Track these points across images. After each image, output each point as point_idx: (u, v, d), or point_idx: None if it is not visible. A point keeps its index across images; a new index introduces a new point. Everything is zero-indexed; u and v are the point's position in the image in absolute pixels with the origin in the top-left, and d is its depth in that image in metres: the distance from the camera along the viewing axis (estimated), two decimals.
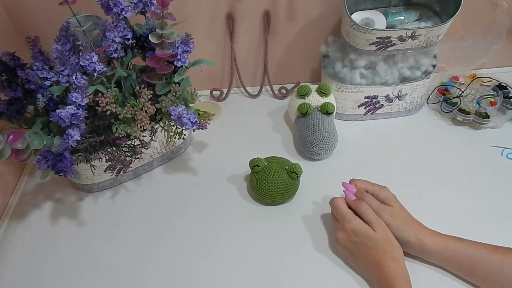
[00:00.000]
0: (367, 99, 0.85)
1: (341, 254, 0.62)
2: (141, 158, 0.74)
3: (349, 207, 0.61)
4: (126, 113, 0.63)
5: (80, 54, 0.62)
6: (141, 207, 0.73)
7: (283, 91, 0.98)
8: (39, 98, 0.62)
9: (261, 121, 0.91)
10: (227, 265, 0.63)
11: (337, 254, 0.63)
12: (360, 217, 0.59)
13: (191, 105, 0.70)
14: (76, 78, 0.58)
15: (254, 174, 0.70)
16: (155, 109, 0.66)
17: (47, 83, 0.64)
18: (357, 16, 0.81)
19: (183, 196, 0.75)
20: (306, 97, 0.81)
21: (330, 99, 0.82)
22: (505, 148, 0.79)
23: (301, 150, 0.81)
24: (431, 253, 0.58)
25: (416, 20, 0.83)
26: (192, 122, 0.63)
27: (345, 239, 0.59)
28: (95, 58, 0.60)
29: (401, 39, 0.76)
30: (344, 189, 0.63)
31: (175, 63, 0.66)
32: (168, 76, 0.71)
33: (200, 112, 0.73)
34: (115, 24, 0.64)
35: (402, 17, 0.83)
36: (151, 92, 0.66)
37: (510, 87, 0.88)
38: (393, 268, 0.54)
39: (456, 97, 0.87)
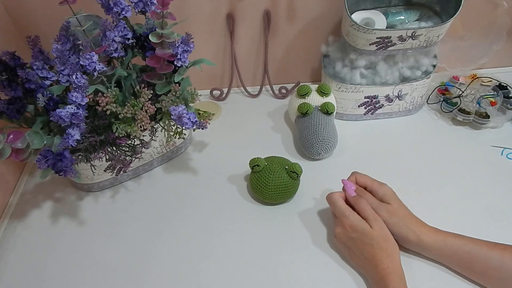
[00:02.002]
0: (367, 99, 0.85)
1: (338, 249, 0.63)
2: (141, 158, 0.74)
3: (347, 203, 0.62)
4: (126, 112, 0.63)
5: (80, 53, 0.62)
6: (141, 206, 0.73)
7: (283, 91, 0.98)
8: (39, 98, 0.62)
9: (261, 121, 0.91)
10: (227, 265, 0.63)
11: (337, 252, 0.63)
12: (358, 214, 0.59)
13: (191, 104, 0.70)
14: (76, 77, 0.58)
15: (254, 174, 0.70)
16: (155, 109, 0.66)
17: (47, 82, 0.64)
18: (357, 16, 0.81)
19: (183, 195, 0.75)
20: (306, 97, 0.81)
21: (330, 99, 0.82)
22: (505, 148, 0.79)
23: (301, 150, 0.81)
24: (430, 249, 0.58)
25: (416, 20, 0.83)
26: (192, 121, 0.63)
27: (343, 234, 0.59)
28: (95, 57, 0.60)
29: (401, 39, 0.76)
30: (344, 185, 0.64)
31: (175, 63, 0.66)
32: (168, 75, 0.71)
33: (200, 111, 0.73)
34: (115, 23, 0.64)
35: (402, 17, 0.83)
36: (151, 91, 0.66)
37: (510, 87, 0.88)
38: (388, 265, 0.54)
39: (456, 97, 0.87)
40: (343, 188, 0.64)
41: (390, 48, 0.78)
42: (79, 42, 0.64)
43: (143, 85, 0.67)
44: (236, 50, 0.92)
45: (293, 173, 0.68)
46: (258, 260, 0.63)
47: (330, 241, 0.65)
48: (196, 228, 0.69)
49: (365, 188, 0.64)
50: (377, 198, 0.62)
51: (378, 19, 0.80)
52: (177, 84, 0.68)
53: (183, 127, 0.64)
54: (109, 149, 0.67)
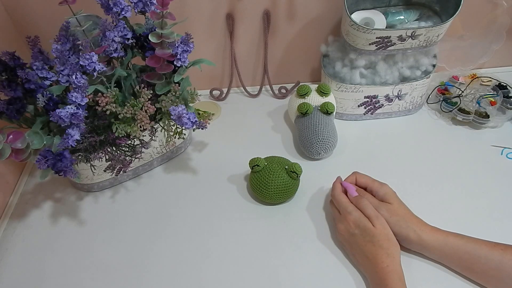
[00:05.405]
0: (367, 99, 0.85)
1: (341, 245, 0.63)
2: (141, 158, 0.74)
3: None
4: (126, 112, 0.63)
5: (80, 53, 0.62)
6: (141, 206, 0.73)
7: (283, 90, 0.98)
8: (39, 98, 0.62)
9: (261, 121, 0.91)
10: (227, 265, 0.63)
11: (337, 253, 0.63)
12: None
13: (191, 104, 0.70)
14: (76, 77, 0.58)
15: (254, 174, 0.70)
16: (155, 109, 0.66)
17: (47, 82, 0.64)
18: (357, 16, 0.82)
19: (183, 195, 0.75)
20: (306, 97, 0.81)
21: (330, 98, 0.82)
22: (505, 148, 0.79)
23: (301, 150, 0.81)
24: (431, 249, 0.58)
25: (416, 20, 0.83)
26: (192, 121, 0.63)
27: (345, 230, 0.60)
28: (95, 57, 0.60)
29: (401, 38, 0.76)
30: (345, 187, 0.65)
31: (175, 63, 0.66)
32: (168, 75, 0.71)
33: (200, 111, 0.73)
34: (115, 23, 0.64)
35: (402, 17, 0.83)
36: (151, 91, 0.66)
37: (510, 86, 0.88)
38: (387, 264, 0.54)
39: (456, 96, 0.87)
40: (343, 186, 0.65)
41: (389, 48, 0.78)
42: (79, 42, 0.64)
43: (143, 85, 0.67)
44: (236, 50, 0.92)
45: (293, 173, 0.68)
46: (258, 260, 0.63)
47: (330, 240, 0.65)
48: (196, 228, 0.69)
49: (365, 189, 0.65)
50: (378, 198, 0.62)
51: (378, 19, 0.80)
52: (177, 84, 0.68)
53: (183, 127, 0.64)
54: (109, 149, 0.67)
